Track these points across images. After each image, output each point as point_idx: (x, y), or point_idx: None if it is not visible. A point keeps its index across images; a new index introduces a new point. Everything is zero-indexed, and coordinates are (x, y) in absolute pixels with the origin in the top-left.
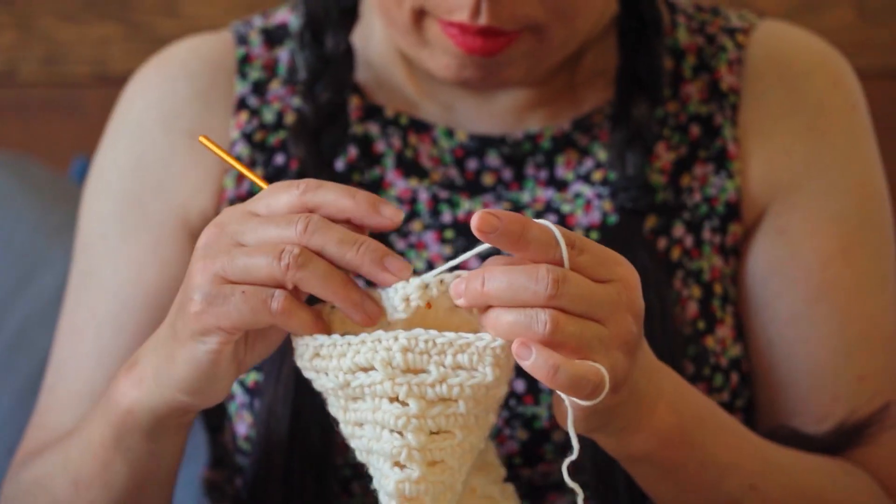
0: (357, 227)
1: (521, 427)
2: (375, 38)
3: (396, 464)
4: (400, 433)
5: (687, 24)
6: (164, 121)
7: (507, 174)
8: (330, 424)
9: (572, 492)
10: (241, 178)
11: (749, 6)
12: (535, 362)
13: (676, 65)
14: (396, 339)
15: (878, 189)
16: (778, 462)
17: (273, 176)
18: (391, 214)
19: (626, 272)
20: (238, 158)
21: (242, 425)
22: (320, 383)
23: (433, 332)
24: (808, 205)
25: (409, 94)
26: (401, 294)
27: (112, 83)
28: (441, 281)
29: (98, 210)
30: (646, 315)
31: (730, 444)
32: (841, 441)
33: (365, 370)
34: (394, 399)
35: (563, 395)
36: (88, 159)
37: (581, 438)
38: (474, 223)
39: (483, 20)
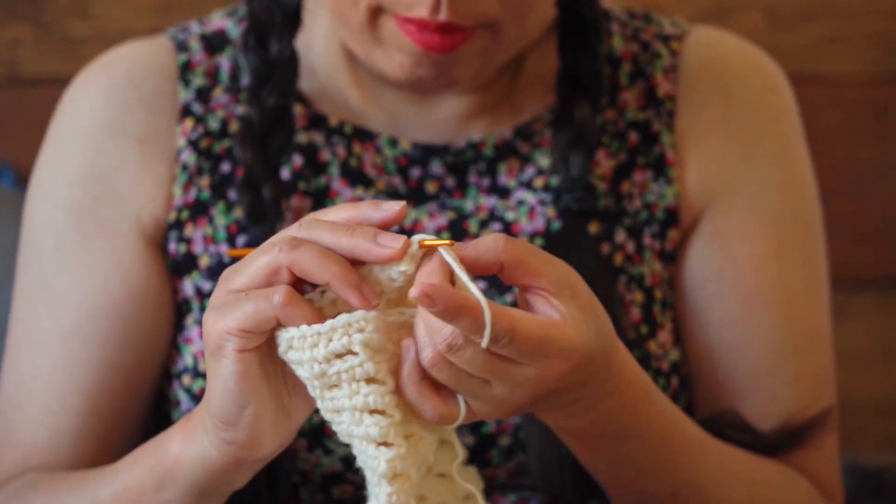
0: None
1: (468, 432)
2: (318, 45)
3: (381, 444)
4: (382, 412)
5: (621, 32)
6: (111, 127)
7: (450, 182)
8: None
9: (515, 492)
10: (188, 185)
11: (659, 11)
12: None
13: (613, 72)
14: (366, 319)
15: (810, 192)
16: (708, 477)
17: (219, 184)
18: (391, 207)
19: (548, 365)
20: (185, 167)
21: None
22: (299, 374)
23: (385, 313)
24: (741, 207)
25: (353, 102)
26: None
27: (23, 84)
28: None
29: (48, 219)
30: None
31: (654, 455)
32: (783, 441)
33: (340, 356)
34: (371, 380)
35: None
36: (0, 160)
37: (529, 442)
38: (413, 293)
39: (442, 15)
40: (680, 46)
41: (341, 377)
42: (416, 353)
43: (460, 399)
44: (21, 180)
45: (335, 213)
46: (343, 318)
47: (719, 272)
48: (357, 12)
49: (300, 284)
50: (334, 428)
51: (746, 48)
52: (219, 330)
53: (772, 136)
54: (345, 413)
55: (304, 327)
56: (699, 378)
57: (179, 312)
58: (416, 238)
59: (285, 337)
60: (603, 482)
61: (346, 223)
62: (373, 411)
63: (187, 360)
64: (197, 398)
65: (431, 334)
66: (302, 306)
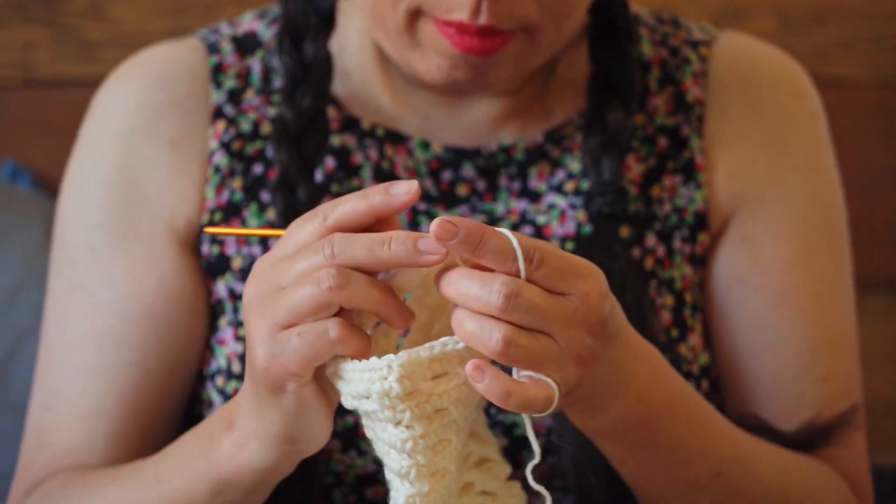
0: (383, 224)
1: (501, 434)
2: (351, 48)
3: (405, 479)
4: (408, 454)
5: (650, 37)
6: (144, 129)
7: (481, 185)
8: None
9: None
10: (220, 187)
11: (671, 14)
12: (489, 387)
13: (642, 77)
14: (390, 367)
15: (837, 197)
16: (747, 453)
17: (252, 185)
18: (405, 189)
19: (586, 286)
20: (217, 169)
21: None
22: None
23: (415, 351)
24: (770, 212)
25: (385, 105)
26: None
27: (38, 86)
28: None
29: (81, 221)
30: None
31: (698, 432)
32: (810, 440)
33: (368, 397)
34: (398, 423)
35: None
36: (16, 161)
37: (562, 444)
38: (433, 229)
39: (483, 19)
40: (709, 52)
41: (371, 415)
42: (486, 367)
43: (549, 381)
44: (37, 181)
45: (350, 204)
46: (370, 362)
47: (748, 275)
48: (396, 14)
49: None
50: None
51: (775, 54)
52: (278, 372)
53: (801, 142)
54: (377, 443)
55: (342, 363)
56: (727, 380)
57: (213, 314)
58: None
59: (332, 367)
60: (646, 487)
61: (366, 213)
62: (400, 451)
63: (221, 361)
64: (230, 398)
65: (483, 297)
66: (358, 338)
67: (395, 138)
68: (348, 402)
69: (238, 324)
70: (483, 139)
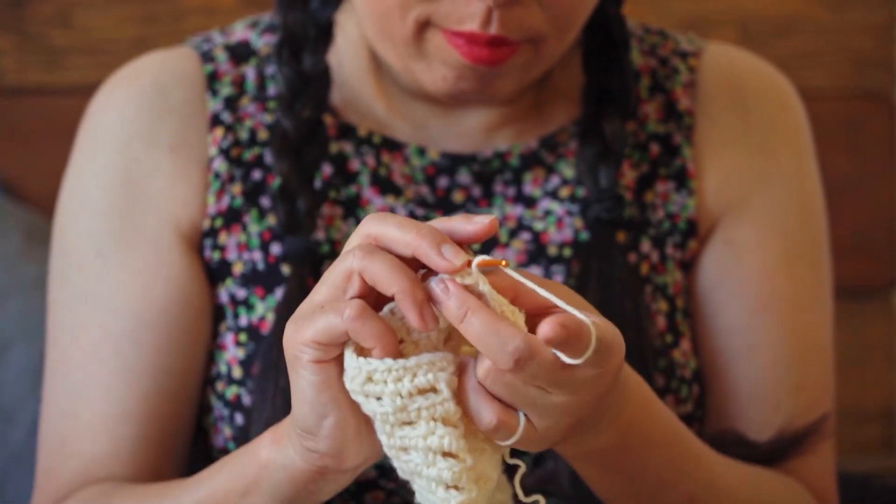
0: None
1: None
2: (347, 59)
3: (452, 487)
4: (455, 456)
5: (639, 47)
6: (143, 135)
7: (476, 191)
8: None
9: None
10: (220, 192)
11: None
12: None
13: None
14: (449, 361)
15: (820, 207)
16: (720, 480)
17: (251, 191)
18: (482, 220)
19: (610, 362)
20: (217, 175)
21: (220, 438)
22: (370, 408)
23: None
24: (755, 219)
25: (380, 113)
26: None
27: (5, 94)
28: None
29: (86, 228)
30: (620, 327)
31: (675, 463)
32: (781, 449)
33: (423, 392)
34: (448, 421)
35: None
36: None
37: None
38: (549, 332)
39: (493, 29)
40: (697, 63)
41: (421, 414)
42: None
43: (521, 415)
44: (7, 190)
45: (430, 222)
46: (427, 356)
47: (729, 279)
48: (404, 26)
49: (381, 301)
50: (397, 465)
51: (762, 66)
52: (295, 341)
53: (787, 152)
54: (414, 452)
55: (388, 360)
56: (707, 384)
57: (215, 319)
58: (477, 259)
59: (366, 368)
60: (616, 502)
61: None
62: (445, 454)
63: (221, 366)
64: (230, 405)
65: (491, 351)
66: (372, 322)
67: (392, 145)
68: (396, 402)
69: (238, 329)
70: (478, 146)
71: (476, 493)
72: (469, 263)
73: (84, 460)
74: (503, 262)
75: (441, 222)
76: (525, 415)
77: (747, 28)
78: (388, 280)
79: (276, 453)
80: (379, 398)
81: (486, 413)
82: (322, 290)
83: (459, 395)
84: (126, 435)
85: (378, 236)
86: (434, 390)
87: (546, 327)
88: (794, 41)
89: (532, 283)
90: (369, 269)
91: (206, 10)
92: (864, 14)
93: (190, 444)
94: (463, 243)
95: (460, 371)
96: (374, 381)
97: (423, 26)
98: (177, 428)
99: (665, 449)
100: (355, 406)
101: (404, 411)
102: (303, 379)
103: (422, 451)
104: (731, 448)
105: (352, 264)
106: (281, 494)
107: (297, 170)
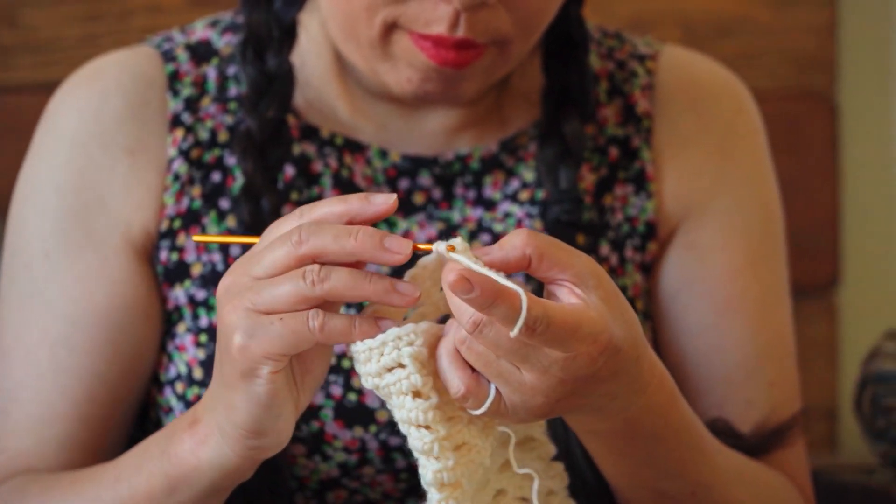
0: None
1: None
2: (310, 59)
3: (430, 455)
4: (427, 427)
5: (597, 50)
6: (100, 137)
7: (437, 194)
8: None
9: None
10: (180, 194)
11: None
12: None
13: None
14: (417, 333)
15: (777, 207)
16: (725, 477)
17: (211, 193)
18: (384, 200)
19: (580, 347)
20: (177, 176)
21: None
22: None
23: (432, 324)
24: (717, 220)
25: (343, 114)
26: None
27: None
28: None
29: (36, 228)
30: None
31: (683, 457)
32: (763, 443)
33: (390, 370)
34: (417, 394)
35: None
36: None
37: (558, 443)
38: (449, 280)
39: (460, 32)
40: (655, 66)
41: (390, 390)
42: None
43: (492, 386)
44: None
45: (328, 207)
46: (393, 331)
47: (695, 281)
48: (371, 27)
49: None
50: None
51: (718, 70)
52: (254, 354)
53: (744, 154)
54: (400, 425)
55: (359, 343)
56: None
57: (170, 321)
58: (440, 244)
59: (353, 351)
60: (621, 485)
61: (342, 215)
62: (418, 426)
63: (180, 367)
64: (191, 405)
65: (458, 314)
66: (338, 325)
67: (354, 147)
68: (369, 383)
69: (198, 330)
70: (439, 148)
71: (454, 461)
72: (413, 250)
73: (9, 456)
74: (452, 248)
75: (338, 205)
76: (497, 388)
77: (690, 29)
78: (354, 292)
79: (207, 453)
80: (362, 378)
81: (455, 381)
82: (264, 300)
83: (442, 399)
84: (52, 436)
85: (318, 256)
86: (401, 366)
87: (450, 275)
88: (737, 41)
89: (472, 263)
90: (333, 292)
91: (151, 9)
92: (806, 15)
93: (125, 445)
94: (365, 224)
95: (442, 337)
96: (358, 362)
97: (390, 28)
98: (107, 430)
99: (675, 443)
100: (296, 391)
101: (380, 389)
102: (258, 388)
103: (403, 424)
104: (721, 436)
105: (311, 291)
106: (212, 487)
107: (261, 169)
